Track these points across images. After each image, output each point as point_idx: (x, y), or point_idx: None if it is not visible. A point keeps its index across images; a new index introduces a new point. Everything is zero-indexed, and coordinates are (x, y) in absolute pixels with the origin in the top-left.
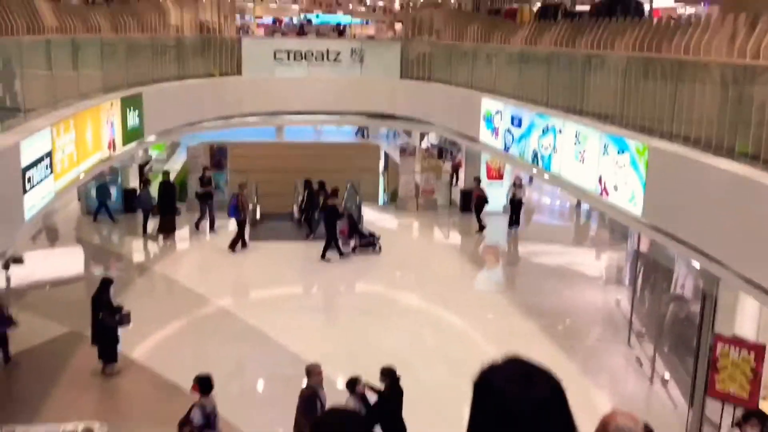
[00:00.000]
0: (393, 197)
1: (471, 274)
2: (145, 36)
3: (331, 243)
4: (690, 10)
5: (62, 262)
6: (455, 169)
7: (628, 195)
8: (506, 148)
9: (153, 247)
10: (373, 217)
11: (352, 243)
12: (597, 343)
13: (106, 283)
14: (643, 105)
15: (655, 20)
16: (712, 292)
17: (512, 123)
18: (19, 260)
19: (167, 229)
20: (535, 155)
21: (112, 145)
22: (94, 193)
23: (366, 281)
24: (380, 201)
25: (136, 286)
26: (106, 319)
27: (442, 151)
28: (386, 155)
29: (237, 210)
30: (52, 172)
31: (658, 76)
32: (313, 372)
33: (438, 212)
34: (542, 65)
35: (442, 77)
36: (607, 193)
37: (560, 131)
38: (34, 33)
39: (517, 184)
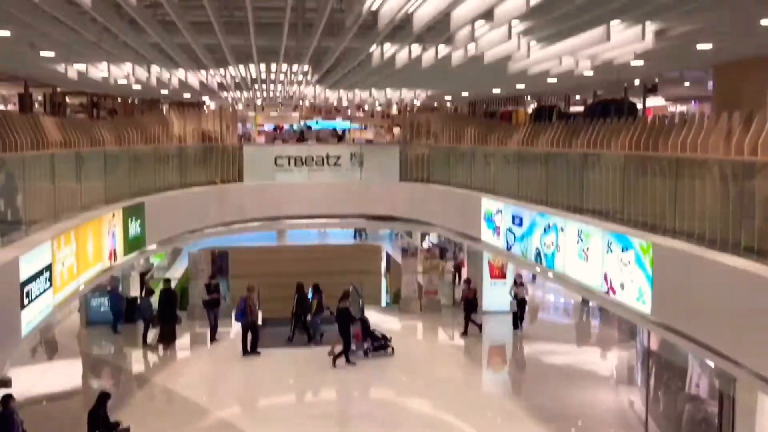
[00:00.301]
0: (396, 298)
1: (478, 377)
2: (149, 147)
3: (347, 349)
4: (681, 108)
5: (59, 376)
6: (458, 269)
7: (636, 293)
8: (508, 247)
9: (153, 357)
10: (376, 319)
11: (365, 346)
12: None
13: (103, 397)
14: (644, 202)
15: (649, 119)
16: (729, 392)
17: (513, 222)
18: (6, 383)
19: (168, 338)
20: (538, 253)
21: (113, 255)
22: (95, 302)
23: (372, 387)
24: (383, 302)
25: (135, 399)
26: None
27: (443, 250)
28: (388, 256)
29: (244, 314)
30: (51, 285)
31: (657, 173)
32: None
33: (442, 313)
34: (540, 165)
35: (441, 179)
36: (613, 291)
37: (562, 229)
38: (38, 148)
39: (518, 283)
